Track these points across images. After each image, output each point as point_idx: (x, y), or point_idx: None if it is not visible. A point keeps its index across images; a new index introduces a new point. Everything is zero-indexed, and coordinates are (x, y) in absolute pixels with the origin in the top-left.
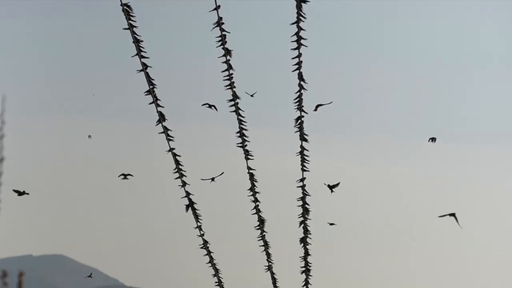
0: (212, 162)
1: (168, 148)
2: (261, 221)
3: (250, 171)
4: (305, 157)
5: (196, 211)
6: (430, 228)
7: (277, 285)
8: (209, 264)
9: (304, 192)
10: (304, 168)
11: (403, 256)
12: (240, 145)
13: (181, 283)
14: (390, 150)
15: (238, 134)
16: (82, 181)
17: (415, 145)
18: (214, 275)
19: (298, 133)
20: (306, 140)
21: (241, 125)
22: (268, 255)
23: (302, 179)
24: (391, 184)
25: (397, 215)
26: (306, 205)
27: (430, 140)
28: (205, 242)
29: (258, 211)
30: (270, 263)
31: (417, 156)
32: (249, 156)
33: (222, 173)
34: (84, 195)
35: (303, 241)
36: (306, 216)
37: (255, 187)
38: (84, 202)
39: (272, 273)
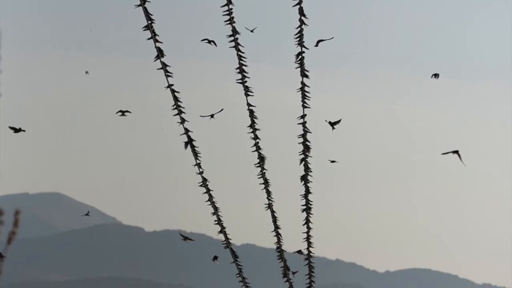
0: (211, 99)
1: (167, 84)
2: (261, 159)
3: (250, 107)
4: (306, 93)
5: (195, 148)
6: (433, 165)
7: (277, 223)
8: (208, 202)
9: (305, 129)
10: (305, 104)
11: (405, 193)
12: (240, 81)
13: (179, 221)
14: (392, 86)
15: (238, 70)
16: (80, 118)
17: (418, 81)
18: (214, 213)
19: (299, 69)
20: (307, 76)
21: (241, 61)
22: (268, 193)
23: (303, 116)
24: (393, 120)
25: (399, 151)
26: (307, 142)
27: (433, 76)
28: (204, 180)
29: (258, 148)
30: (270, 201)
31: (420, 92)
32: (249, 93)
33: (222, 109)
34: (82, 133)
35: (304, 178)
36: (307, 153)
37: (255, 124)
38: (81, 140)
39: (272, 211)
